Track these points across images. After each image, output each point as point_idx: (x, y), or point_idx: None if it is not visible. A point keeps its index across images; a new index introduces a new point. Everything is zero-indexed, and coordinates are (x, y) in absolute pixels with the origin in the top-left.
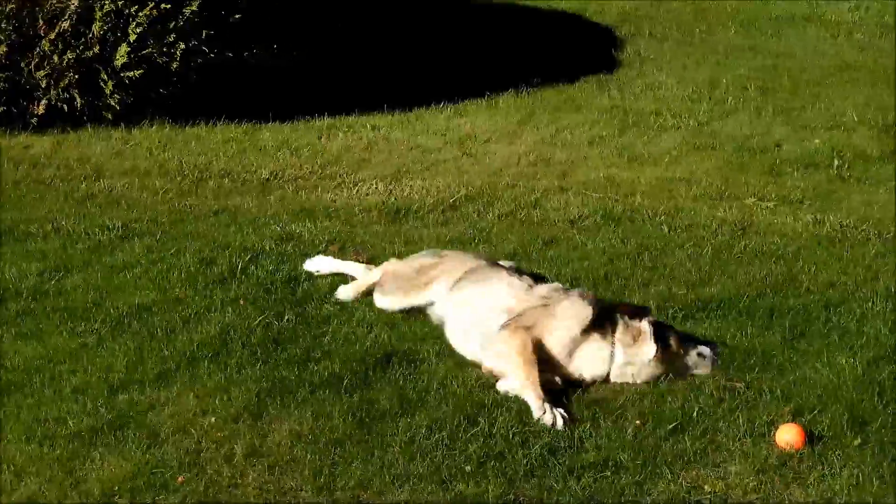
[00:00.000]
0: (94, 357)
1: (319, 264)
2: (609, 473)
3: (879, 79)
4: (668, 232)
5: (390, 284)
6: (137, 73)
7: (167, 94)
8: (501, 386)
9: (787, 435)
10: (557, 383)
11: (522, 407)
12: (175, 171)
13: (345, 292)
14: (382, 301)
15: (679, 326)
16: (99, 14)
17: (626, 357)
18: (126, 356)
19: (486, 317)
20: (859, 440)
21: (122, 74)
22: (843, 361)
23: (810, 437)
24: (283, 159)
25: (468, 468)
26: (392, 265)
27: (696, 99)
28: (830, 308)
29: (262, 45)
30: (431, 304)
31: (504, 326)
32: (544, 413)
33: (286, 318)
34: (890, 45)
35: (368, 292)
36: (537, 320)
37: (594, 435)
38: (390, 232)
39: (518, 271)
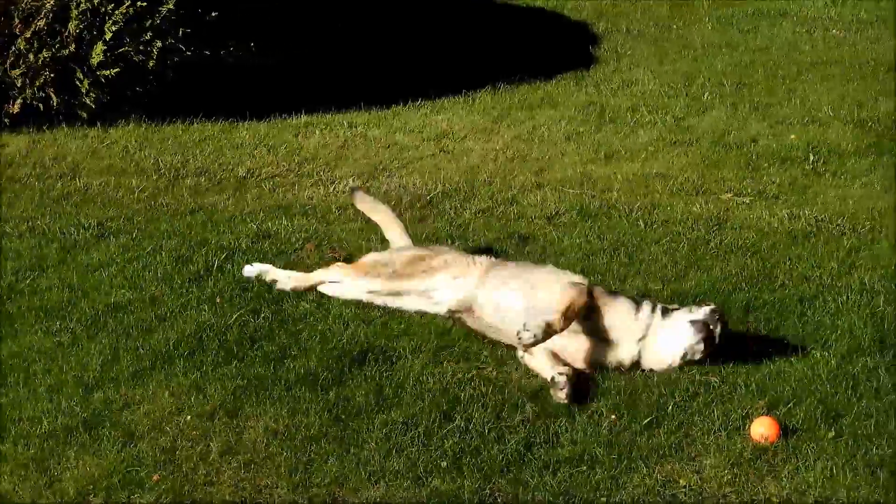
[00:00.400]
0: (69, 356)
1: (259, 269)
2: (584, 468)
3: (855, 74)
4: (645, 227)
5: (379, 269)
6: (114, 71)
7: (143, 93)
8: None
9: (762, 428)
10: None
11: (498, 403)
12: (151, 169)
13: (284, 279)
14: (367, 284)
15: None
16: (75, 12)
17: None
18: (101, 355)
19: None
20: (833, 433)
21: (98, 73)
22: (818, 355)
23: (784, 431)
24: (259, 157)
25: (444, 464)
26: (372, 256)
27: (672, 95)
28: (805, 302)
29: (239, 43)
30: (431, 290)
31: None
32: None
33: (262, 315)
34: (865, 41)
35: (314, 287)
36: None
37: (569, 430)
38: (367, 229)
39: None
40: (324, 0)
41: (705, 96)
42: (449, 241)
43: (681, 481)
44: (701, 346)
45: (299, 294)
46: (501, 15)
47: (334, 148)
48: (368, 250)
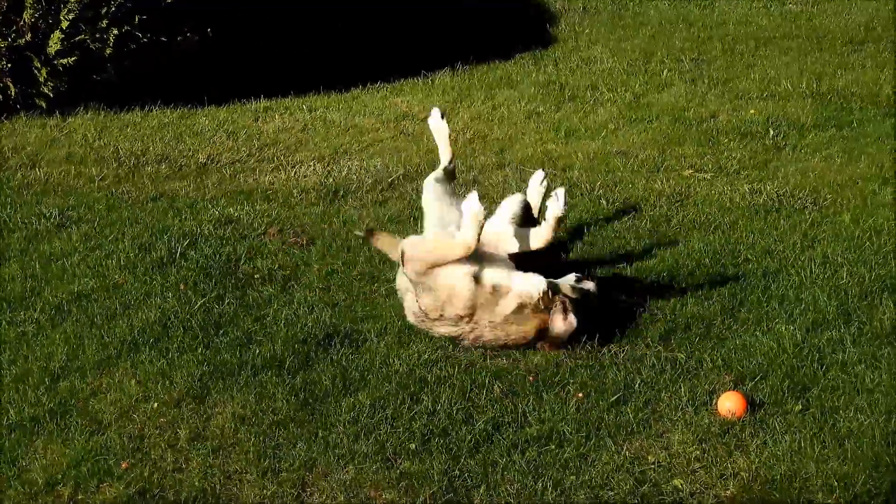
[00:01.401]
0: (34, 346)
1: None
2: (553, 447)
3: (813, 47)
4: (607, 205)
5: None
6: (71, 60)
7: (101, 81)
8: None
9: (729, 403)
10: None
11: (465, 383)
12: (111, 157)
13: None
14: None
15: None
16: (30, 1)
17: None
18: (66, 344)
19: None
20: (800, 406)
21: (55, 62)
22: (783, 329)
23: (751, 405)
24: (219, 143)
25: (412, 446)
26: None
27: (631, 72)
28: (768, 276)
29: (195, 28)
30: None
31: None
32: None
33: (226, 301)
34: (822, 14)
35: None
36: None
37: (537, 409)
38: (329, 212)
39: None
40: None
41: (664, 73)
42: (412, 221)
43: (649, 458)
44: None
45: (264, 279)
46: None
47: (294, 132)
48: (331, 234)
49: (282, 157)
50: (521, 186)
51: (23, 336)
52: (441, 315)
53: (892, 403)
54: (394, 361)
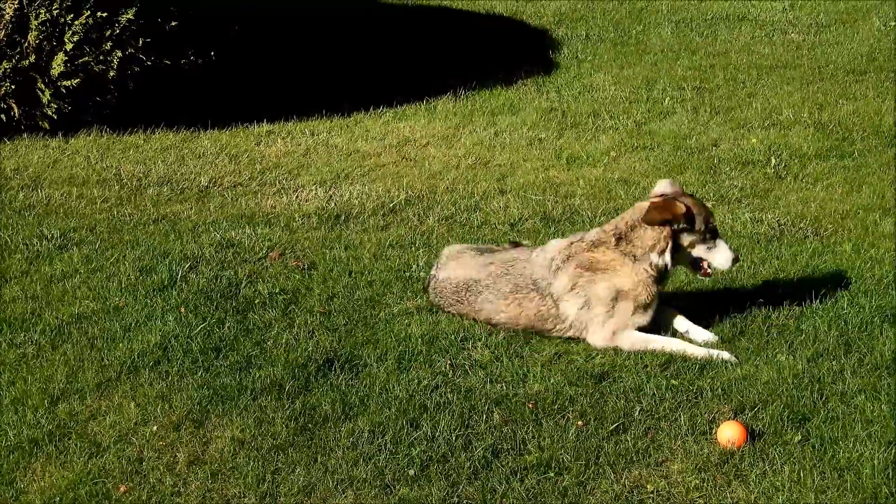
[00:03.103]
0: (34, 367)
1: None
2: (552, 474)
3: (815, 77)
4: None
5: None
6: (74, 81)
7: (104, 103)
8: None
9: (729, 432)
10: None
11: (465, 410)
12: (113, 179)
13: None
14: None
15: None
16: (35, 23)
17: None
18: (66, 366)
19: None
20: (800, 437)
21: (59, 83)
22: (783, 359)
23: (751, 435)
24: (221, 166)
25: (411, 472)
26: None
27: (633, 99)
28: (769, 305)
29: (199, 52)
30: None
31: None
32: None
33: (227, 325)
34: (824, 44)
35: None
36: None
37: (537, 436)
38: (330, 237)
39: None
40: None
41: (666, 101)
42: (414, 247)
43: (648, 487)
44: None
45: (264, 303)
46: (461, 22)
47: (296, 156)
48: (333, 259)
49: (283, 181)
50: (523, 213)
51: (23, 358)
52: None
53: (891, 434)
54: (393, 387)
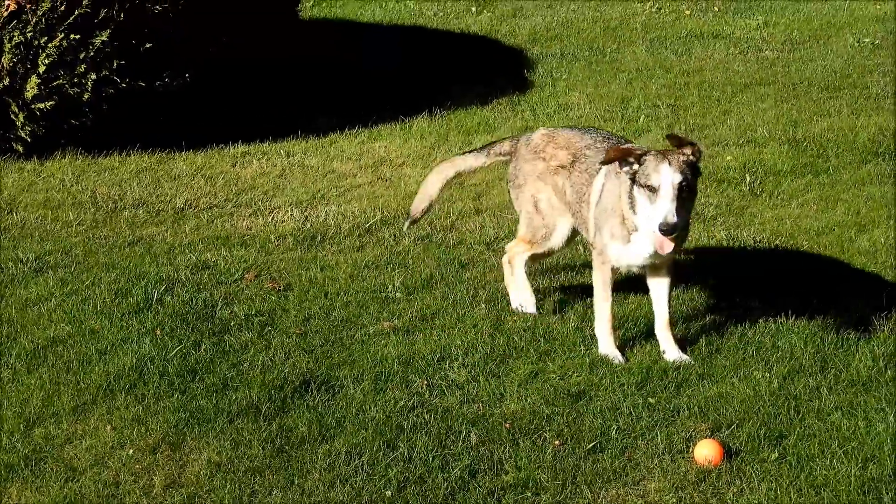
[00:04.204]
0: (9, 391)
1: None
2: (529, 494)
3: (789, 94)
4: (584, 251)
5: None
6: (48, 104)
7: (79, 125)
8: None
9: (706, 450)
10: None
11: (441, 430)
12: (88, 202)
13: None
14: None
15: (595, 344)
16: (8, 46)
17: None
18: (42, 390)
19: None
20: (777, 454)
21: (32, 106)
22: (759, 376)
23: (728, 453)
24: (197, 188)
25: (388, 493)
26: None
27: (608, 118)
28: (745, 323)
29: (174, 73)
30: None
31: None
32: None
33: (203, 347)
34: (798, 61)
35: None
36: None
37: (513, 456)
38: (306, 258)
39: None
40: (261, 33)
41: (641, 119)
42: (389, 268)
43: None
44: None
45: (241, 324)
46: (435, 41)
47: (272, 177)
48: (309, 280)
49: (259, 203)
50: (498, 232)
51: None
52: None
53: (868, 451)
54: (370, 408)
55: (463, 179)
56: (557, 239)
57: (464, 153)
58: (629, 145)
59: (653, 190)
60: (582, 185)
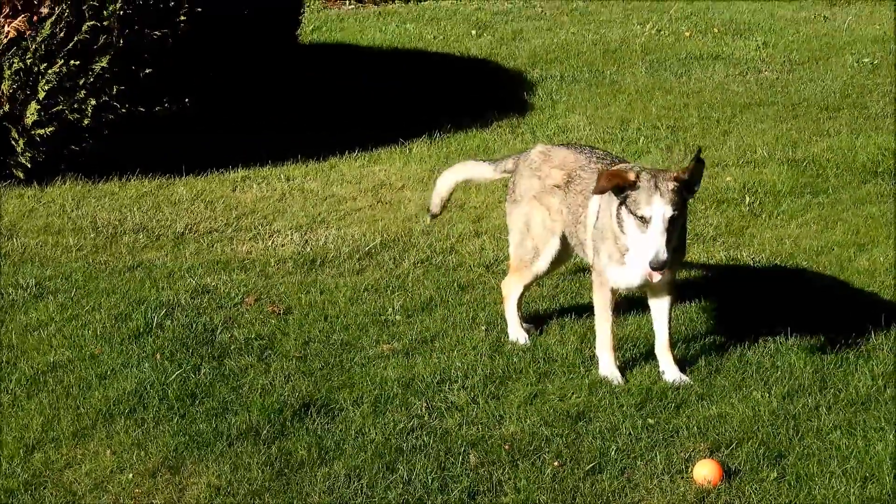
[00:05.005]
0: (9, 417)
1: None
2: None
3: (788, 114)
4: (584, 273)
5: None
6: (48, 130)
7: (79, 151)
8: None
9: (705, 470)
10: None
11: (441, 452)
12: (89, 227)
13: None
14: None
15: (597, 367)
16: (8, 73)
17: None
18: (41, 415)
19: None
20: (776, 474)
21: (32, 132)
22: (759, 396)
23: (727, 473)
24: (197, 212)
25: None
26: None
27: (608, 139)
28: (745, 343)
29: (173, 99)
30: None
31: None
32: None
33: (203, 371)
34: (797, 81)
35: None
36: None
37: (513, 477)
38: (306, 282)
39: None
40: (260, 56)
41: (640, 140)
42: (389, 291)
43: None
44: None
45: (240, 348)
46: (437, 65)
47: (272, 201)
48: (308, 303)
49: (259, 227)
50: (498, 254)
51: None
52: None
53: (867, 470)
54: (369, 430)
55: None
56: (543, 263)
57: (479, 160)
58: (620, 168)
59: (644, 220)
60: (578, 207)
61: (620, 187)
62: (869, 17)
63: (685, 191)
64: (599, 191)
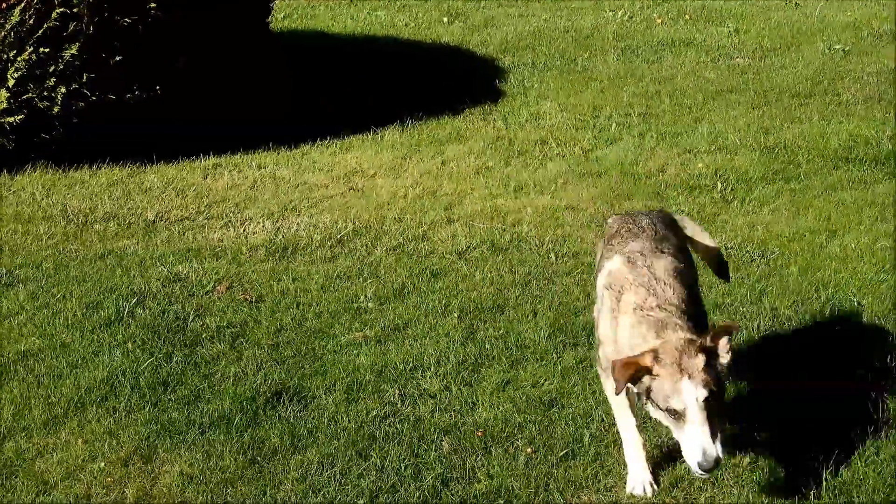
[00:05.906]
0: None
1: None
2: (502, 502)
3: (760, 101)
4: (556, 260)
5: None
6: (18, 118)
7: (49, 139)
8: None
9: None
10: None
11: (414, 440)
12: (59, 215)
13: None
14: None
15: (569, 354)
16: None
17: None
18: (12, 404)
19: None
20: (748, 460)
21: (2, 120)
22: (728, 383)
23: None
24: (168, 200)
25: (361, 503)
26: None
27: (580, 127)
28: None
29: (144, 86)
30: None
31: None
32: None
33: (175, 359)
34: (768, 68)
35: None
36: None
37: (486, 464)
38: (278, 269)
39: None
40: (231, 43)
41: (612, 127)
42: (361, 278)
43: None
44: None
45: (212, 336)
46: (408, 52)
47: (243, 189)
48: (280, 291)
49: (231, 214)
50: (470, 242)
51: None
52: None
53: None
54: (342, 418)
55: (434, 191)
56: None
57: None
58: (631, 357)
59: (677, 415)
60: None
61: (637, 378)
62: (840, 3)
63: (717, 361)
64: (618, 390)
